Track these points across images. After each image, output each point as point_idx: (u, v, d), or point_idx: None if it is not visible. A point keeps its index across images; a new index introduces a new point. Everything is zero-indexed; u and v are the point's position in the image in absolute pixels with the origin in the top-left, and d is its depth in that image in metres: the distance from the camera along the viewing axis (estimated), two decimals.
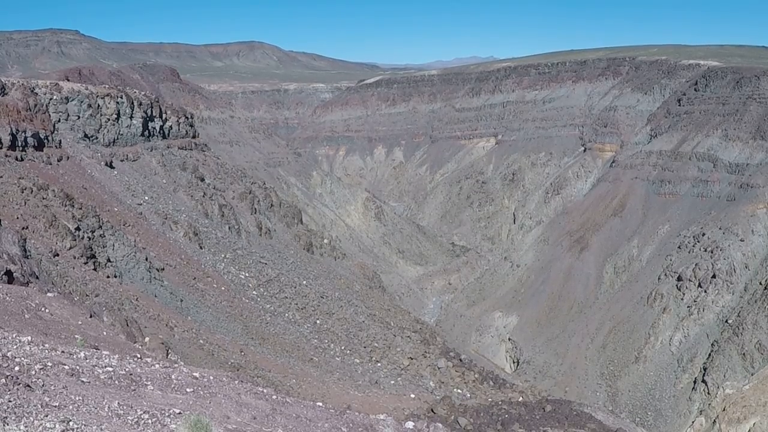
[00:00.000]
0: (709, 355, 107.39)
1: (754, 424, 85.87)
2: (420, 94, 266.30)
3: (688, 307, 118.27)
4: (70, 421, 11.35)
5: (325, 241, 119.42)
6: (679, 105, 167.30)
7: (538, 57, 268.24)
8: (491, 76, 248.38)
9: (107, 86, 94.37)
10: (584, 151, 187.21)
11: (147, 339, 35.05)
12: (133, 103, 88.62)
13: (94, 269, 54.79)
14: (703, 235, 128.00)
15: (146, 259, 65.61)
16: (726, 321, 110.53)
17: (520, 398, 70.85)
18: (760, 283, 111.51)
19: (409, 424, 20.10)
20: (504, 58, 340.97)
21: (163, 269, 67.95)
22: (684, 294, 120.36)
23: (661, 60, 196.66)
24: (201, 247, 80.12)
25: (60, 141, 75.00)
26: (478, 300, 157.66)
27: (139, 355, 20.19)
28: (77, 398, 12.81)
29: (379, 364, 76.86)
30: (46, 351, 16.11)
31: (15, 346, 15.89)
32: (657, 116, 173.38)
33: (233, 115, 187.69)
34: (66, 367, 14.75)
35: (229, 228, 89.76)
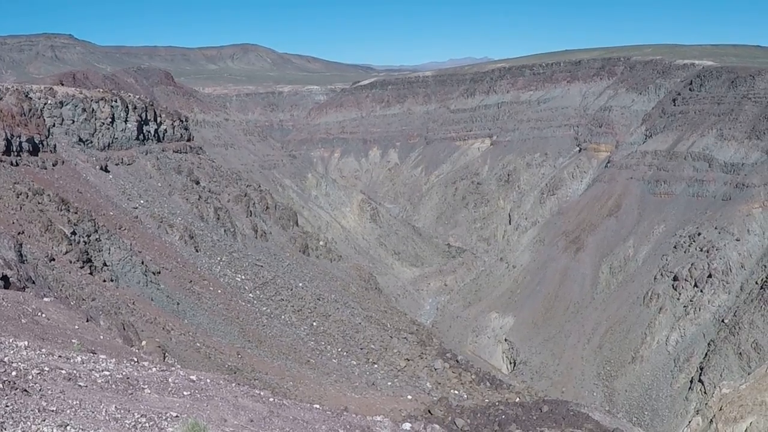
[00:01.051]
0: (706, 354, 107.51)
1: (750, 423, 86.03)
2: (414, 96, 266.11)
3: (684, 306, 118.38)
4: (68, 425, 11.39)
5: (321, 243, 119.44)
6: (674, 105, 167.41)
7: (532, 57, 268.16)
8: (486, 77, 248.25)
9: (101, 90, 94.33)
10: (579, 151, 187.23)
11: (144, 342, 35.10)
12: (127, 106, 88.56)
13: (90, 273, 54.78)
14: (699, 234, 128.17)
15: (142, 263, 65.60)
16: (722, 320, 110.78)
17: (517, 399, 70.93)
18: (756, 283, 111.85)
19: (406, 426, 20.14)
20: (498, 58, 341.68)
21: (159, 273, 67.92)
22: (680, 294, 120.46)
23: (655, 60, 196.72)
24: (197, 250, 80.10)
25: (55, 145, 75.01)
26: (474, 301, 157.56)
27: (135, 359, 20.21)
28: (74, 402, 12.84)
29: (375, 366, 76.87)
30: (43, 355, 16.12)
31: (12, 351, 15.90)
32: (652, 116, 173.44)
33: (228, 118, 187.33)
34: (63, 371, 14.76)
35: (225, 231, 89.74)
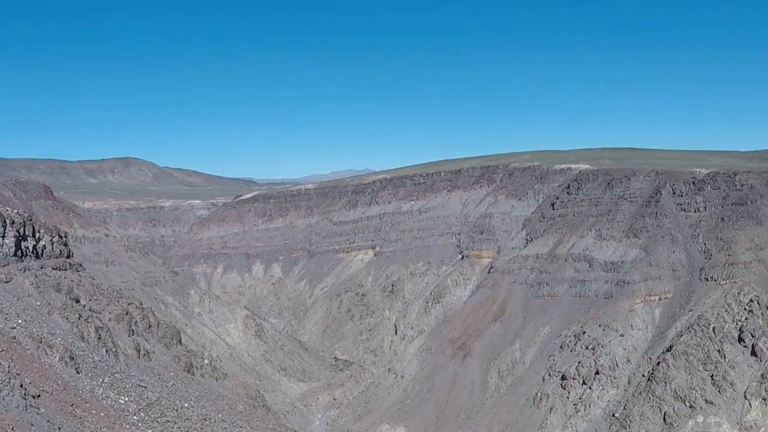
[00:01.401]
0: None
1: None
2: (297, 209, 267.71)
3: (574, 404, 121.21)
4: None
5: (206, 361, 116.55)
6: (553, 209, 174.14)
7: (413, 168, 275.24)
8: (367, 188, 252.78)
9: None
10: (462, 258, 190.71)
11: None
12: (5, 221, 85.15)
13: None
14: (584, 333, 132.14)
15: (21, 386, 61.93)
16: (613, 415, 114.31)
17: None
18: (643, 375, 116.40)
19: None
20: (380, 170, 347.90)
21: (39, 396, 64.22)
22: (569, 392, 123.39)
23: (533, 166, 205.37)
24: (78, 372, 76.45)
25: None
26: (365, 413, 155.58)
27: None
28: None
29: None
30: None
31: None
32: (532, 221, 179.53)
33: (108, 234, 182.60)
34: None
35: (107, 351, 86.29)
